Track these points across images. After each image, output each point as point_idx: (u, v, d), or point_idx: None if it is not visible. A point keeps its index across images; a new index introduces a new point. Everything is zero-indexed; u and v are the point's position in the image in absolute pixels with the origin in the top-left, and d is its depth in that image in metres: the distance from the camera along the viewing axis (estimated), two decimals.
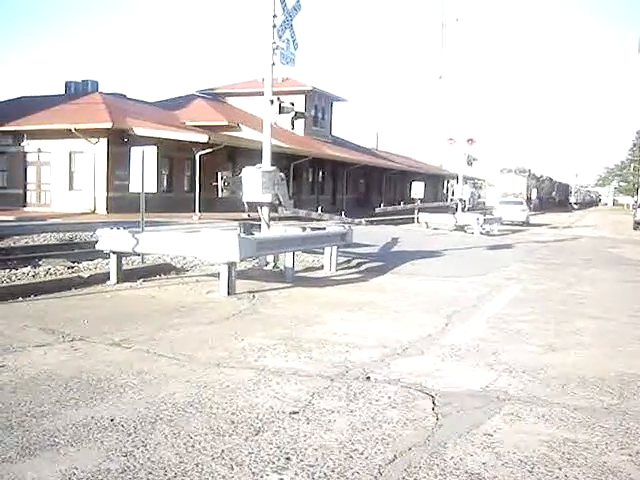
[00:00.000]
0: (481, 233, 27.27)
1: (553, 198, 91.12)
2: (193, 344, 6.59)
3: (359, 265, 13.93)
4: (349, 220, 19.18)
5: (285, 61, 12.37)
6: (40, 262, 12.82)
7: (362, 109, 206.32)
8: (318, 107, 52.88)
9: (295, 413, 4.64)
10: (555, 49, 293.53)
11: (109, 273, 10.60)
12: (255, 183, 11.79)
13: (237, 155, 34.18)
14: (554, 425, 4.57)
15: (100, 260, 12.08)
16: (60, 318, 7.64)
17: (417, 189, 33.25)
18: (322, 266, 13.19)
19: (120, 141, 29.83)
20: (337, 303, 9.41)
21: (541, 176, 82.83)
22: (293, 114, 13.18)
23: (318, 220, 20.62)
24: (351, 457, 3.90)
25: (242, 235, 10.06)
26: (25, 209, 32.40)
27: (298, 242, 12.04)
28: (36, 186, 34.10)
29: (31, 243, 17.51)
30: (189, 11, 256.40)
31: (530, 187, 68.82)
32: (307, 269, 13.09)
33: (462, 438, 4.25)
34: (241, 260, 10.33)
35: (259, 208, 12.24)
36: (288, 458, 3.86)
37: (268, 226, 12.26)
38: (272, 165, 12.33)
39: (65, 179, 32.85)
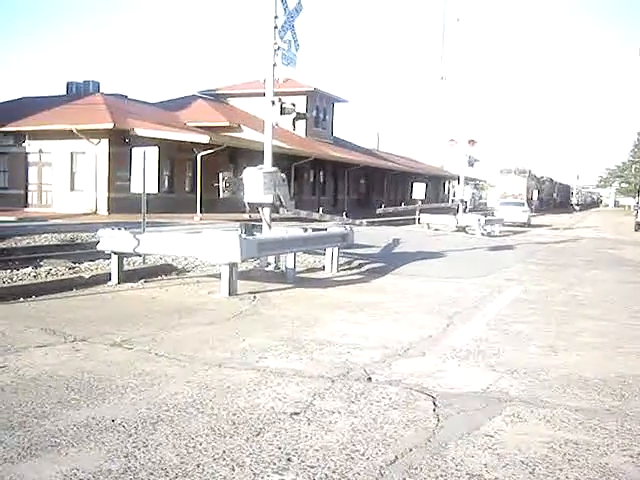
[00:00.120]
0: (482, 234, 27.26)
1: (554, 199, 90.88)
2: (194, 345, 6.59)
3: (360, 266, 13.92)
4: (350, 221, 19.19)
5: (286, 62, 12.37)
6: (41, 262, 12.81)
7: (363, 110, 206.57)
8: (319, 108, 52.89)
9: (296, 414, 4.64)
10: (557, 50, 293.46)
11: (110, 274, 10.60)
12: (256, 184, 11.79)
13: (238, 156, 34.19)
14: (555, 426, 4.57)
15: (101, 261, 12.08)
16: (61, 319, 7.64)
17: (418, 190, 33.25)
18: (323, 267, 13.19)
19: (121, 142, 29.86)
20: (338, 304, 9.40)
21: (541, 177, 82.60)
22: (294, 115, 13.18)
23: (319, 221, 20.63)
24: (352, 458, 3.90)
25: (243, 236, 10.06)
26: (26, 210, 32.44)
27: (299, 243, 12.04)
28: (37, 187, 34.14)
29: (32, 244, 17.50)
30: (190, 12, 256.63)
31: (530, 188, 68.56)
32: (308, 270, 13.09)
33: (463, 439, 4.25)
34: (242, 261, 10.34)
35: (260, 209, 12.24)
36: (289, 459, 3.86)
37: (269, 227, 12.25)
38: (273, 166, 12.33)
39: (66, 180, 32.89)
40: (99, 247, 11.08)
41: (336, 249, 13.01)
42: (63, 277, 10.39)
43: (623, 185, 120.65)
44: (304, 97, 47.46)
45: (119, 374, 5.46)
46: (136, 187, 12.16)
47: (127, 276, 10.69)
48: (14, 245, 17.15)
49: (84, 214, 29.75)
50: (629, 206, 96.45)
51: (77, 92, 38.94)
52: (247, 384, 5.30)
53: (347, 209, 40.39)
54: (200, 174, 31.24)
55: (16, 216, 27.32)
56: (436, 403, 4.97)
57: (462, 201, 31.47)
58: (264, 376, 5.55)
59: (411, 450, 4.05)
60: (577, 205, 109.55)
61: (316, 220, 20.59)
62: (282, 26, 12.13)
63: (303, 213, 17.69)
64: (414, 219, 31.99)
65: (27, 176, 34.20)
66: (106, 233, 10.91)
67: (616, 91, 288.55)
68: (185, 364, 5.86)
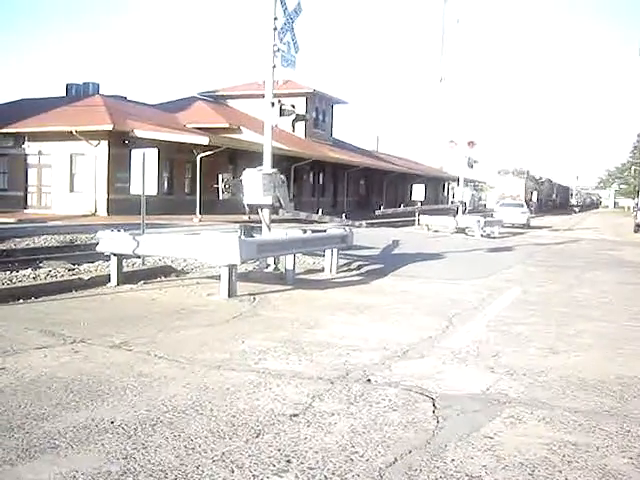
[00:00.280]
0: (482, 235, 27.25)
1: (553, 200, 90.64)
2: (193, 346, 6.58)
3: (360, 267, 13.92)
4: (349, 222, 19.19)
5: (286, 64, 12.38)
6: (41, 264, 12.82)
7: (363, 111, 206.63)
8: (319, 109, 52.95)
9: (295, 416, 4.63)
10: (556, 50, 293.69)
11: (110, 275, 10.59)
12: (256, 185, 11.79)
13: (238, 157, 34.21)
14: (555, 428, 4.56)
15: (101, 262, 12.08)
16: (61, 320, 7.64)
17: (418, 191, 33.28)
18: (323, 268, 13.18)
19: (121, 143, 29.87)
20: (338, 305, 9.40)
21: (540, 178, 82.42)
22: (294, 116, 13.20)
23: (319, 222, 20.64)
24: (352, 460, 3.90)
25: (243, 237, 10.07)
26: (26, 211, 32.44)
27: (299, 244, 12.04)
28: (37, 188, 34.14)
29: (32, 245, 17.52)
30: (190, 13, 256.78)
31: (528, 189, 68.38)
32: (308, 271, 13.08)
33: (463, 441, 4.25)
34: (242, 262, 10.33)
35: (260, 210, 12.24)
36: (289, 461, 3.85)
37: (269, 228, 12.26)
38: (273, 167, 12.33)
39: (66, 181, 32.90)
40: (98, 249, 11.07)
41: (335, 250, 13.01)
42: (62, 279, 10.38)
43: (622, 186, 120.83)
44: (304, 98, 47.49)
45: (118, 376, 5.45)
46: (135, 189, 12.16)
47: (126, 278, 10.68)
48: (13, 247, 17.16)
49: (83, 215, 29.75)
50: (628, 207, 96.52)
51: (77, 94, 38.96)
52: (246, 386, 5.30)
53: (346, 210, 40.41)
54: (199, 175, 31.25)
55: (15, 218, 27.33)
56: (435, 405, 4.97)
57: (461, 202, 31.46)
58: (263, 378, 5.55)
59: (410, 452, 4.05)
60: (577, 206, 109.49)
61: (315, 221, 20.60)
62: (281, 28, 12.14)
63: (302, 214, 17.69)
64: (413, 220, 32.01)
65: (26, 178, 34.20)
66: (105, 235, 10.91)
67: (616, 92, 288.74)
68: (184, 366, 5.86)
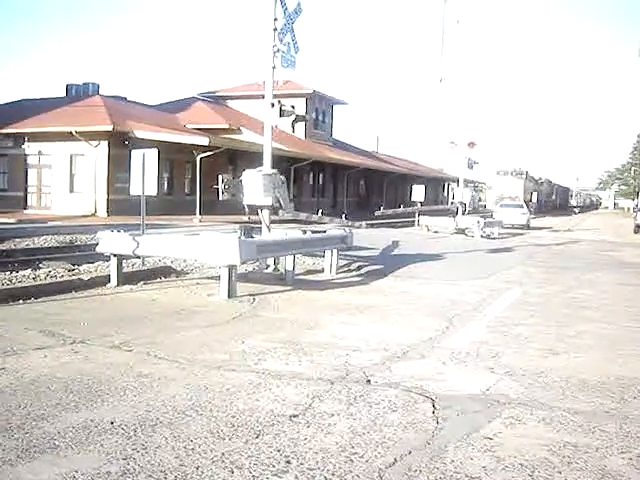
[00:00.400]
0: (482, 236, 27.25)
1: (552, 201, 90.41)
2: (193, 347, 6.58)
3: (359, 268, 13.93)
4: (349, 223, 19.18)
5: (286, 64, 12.38)
6: (41, 264, 12.82)
7: (363, 112, 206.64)
8: (319, 110, 52.95)
9: (295, 416, 4.63)
10: (556, 51, 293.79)
11: (109, 276, 10.59)
12: (256, 186, 11.79)
13: (238, 158, 34.23)
14: (554, 429, 4.56)
15: (100, 263, 12.08)
16: (60, 320, 7.64)
17: (418, 192, 33.27)
18: (322, 269, 13.19)
19: (121, 144, 29.89)
20: (337, 306, 9.40)
21: (539, 178, 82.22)
22: (294, 117, 13.22)
23: (318, 223, 20.64)
24: (351, 460, 3.90)
25: (242, 238, 10.07)
26: (26, 212, 32.44)
27: (299, 245, 12.04)
28: (37, 188, 34.15)
29: (32, 245, 17.52)
30: (190, 14, 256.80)
31: (527, 190, 68.15)
32: (307, 272, 13.08)
33: (462, 442, 4.25)
34: (242, 263, 10.33)
35: (260, 211, 12.24)
36: (288, 461, 3.85)
37: (269, 229, 12.25)
38: (273, 168, 12.33)
39: (66, 182, 32.90)
40: (98, 249, 11.07)
41: (335, 251, 13.01)
42: (62, 279, 10.38)
43: (622, 187, 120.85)
44: (303, 99, 47.52)
45: (118, 376, 5.45)
46: (135, 189, 12.16)
47: (126, 278, 10.68)
48: (13, 247, 17.17)
49: (83, 216, 29.76)
50: (628, 208, 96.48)
51: (77, 94, 38.96)
52: (246, 386, 5.30)
53: (346, 211, 40.42)
54: (199, 176, 31.26)
55: (15, 218, 27.33)
56: (435, 405, 4.96)
57: (461, 203, 31.45)
58: (263, 378, 5.55)
59: (410, 452, 4.05)
60: (577, 207, 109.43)
61: (315, 222, 20.60)
62: (281, 28, 12.14)
63: (302, 215, 17.65)
64: (413, 221, 32.02)
65: (26, 178, 34.20)
66: (105, 235, 10.91)
67: (616, 93, 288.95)
68: (184, 366, 5.86)
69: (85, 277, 10.51)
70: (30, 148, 33.54)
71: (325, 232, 14.40)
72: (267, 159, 12.39)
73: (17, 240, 18.23)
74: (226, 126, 40.78)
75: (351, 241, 13.56)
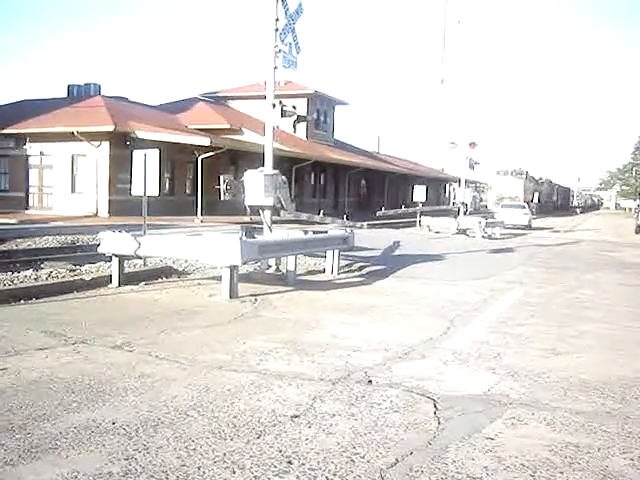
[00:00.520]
0: (483, 237, 27.26)
1: (553, 201, 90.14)
2: (195, 347, 6.58)
3: (361, 269, 13.93)
4: (351, 223, 19.18)
5: (287, 65, 12.39)
6: (42, 265, 12.82)
7: (364, 112, 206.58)
8: (320, 110, 52.94)
9: (297, 417, 4.63)
10: (558, 51, 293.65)
11: (111, 276, 10.60)
12: (257, 186, 11.80)
13: (239, 158, 34.22)
14: (556, 429, 4.56)
15: (102, 263, 12.08)
16: (62, 321, 7.64)
17: (419, 193, 33.26)
18: (324, 269, 13.19)
19: (122, 144, 29.91)
20: (339, 307, 9.40)
21: (540, 178, 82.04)
22: (295, 117, 13.24)
23: (320, 223, 20.65)
24: (353, 461, 3.90)
25: (244, 238, 10.06)
26: (27, 212, 32.46)
27: (300, 245, 12.04)
28: (38, 189, 34.18)
29: (33, 246, 17.53)
30: (192, 14, 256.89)
31: (528, 190, 67.92)
32: (309, 272, 13.09)
33: (464, 442, 4.24)
34: (243, 263, 10.34)
35: (261, 211, 12.25)
36: (290, 462, 3.85)
37: (270, 229, 12.26)
38: (274, 168, 12.33)
39: (67, 182, 32.93)
40: (100, 249, 11.07)
41: (337, 252, 13.01)
42: (64, 279, 10.38)
43: (624, 188, 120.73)
44: (305, 100, 47.51)
45: (120, 376, 5.45)
46: (137, 189, 12.15)
47: (128, 278, 10.69)
48: (15, 247, 17.17)
49: (85, 216, 29.77)
50: (630, 208, 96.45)
51: (78, 95, 38.99)
52: (248, 387, 5.30)
53: (348, 211, 40.43)
54: (201, 177, 31.26)
55: (17, 218, 27.36)
56: (437, 406, 4.96)
57: (463, 204, 31.46)
58: (265, 379, 5.55)
59: (412, 453, 4.05)
60: (578, 207, 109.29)
61: (317, 222, 20.61)
62: (283, 29, 12.14)
63: (304, 215, 17.67)
64: (415, 222, 31.99)
65: (28, 178, 34.24)
66: (107, 235, 10.91)
67: (617, 93, 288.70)
68: (186, 367, 5.86)
69: (87, 277, 10.52)
70: (32, 149, 33.57)
71: (326, 232, 14.40)
72: (268, 159, 12.39)
73: (19, 240, 18.24)
74: (227, 126, 40.79)
75: (352, 241, 13.56)
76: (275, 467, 3.77)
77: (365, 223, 22.58)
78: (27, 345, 6.42)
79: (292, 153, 37.97)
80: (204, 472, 3.67)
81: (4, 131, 33.18)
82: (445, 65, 27.74)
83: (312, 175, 47.93)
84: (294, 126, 46.74)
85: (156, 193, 12.15)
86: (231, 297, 9.54)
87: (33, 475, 3.57)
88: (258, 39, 12.46)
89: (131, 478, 3.58)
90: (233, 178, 13.05)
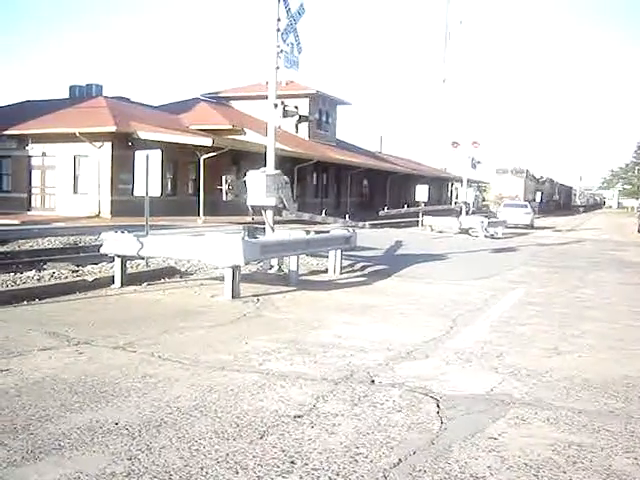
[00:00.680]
0: (485, 236, 27.25)
1: (554, 201, 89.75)
2: (197, 347, 6.59)
3: (363, 268, 13.92)
4: (353, 223, 19.17)
5: (289, 65, 12.39)
6: (45, 266, 12.83)
7: (366, 112, 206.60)
8: (322, 110, 52.91)
9: (300, 417, 4.64)
10: (560, 50, 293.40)
11: (113, 277, 10.61)
12: (259, 186, 11.80)
13: (241, 158, 34.22)
14: (559, 429, 4.56)
15: (104, 264, 12.10)
16: (65, 322, 7.65)
17: (421, 192, 33.25)
18: (326, 269, 13.19)
19: (124, 145, 29.91)
20: (341, 307, 9.40)
21: (541, 177, 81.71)
22: (297, 117, 13.25)
23: (322, 223, 20.64)
24: (356, 461, 3.90)
25: (246, 238, 10.08)
26: (29, 213, 32.47)
27: (302, 245, 12.04)
28: (40, 190, 34.19)
29: (36, 247, 17.55)
30: (194, 14, 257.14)
31: (528, 189, 67.52)
32: (311, 272, 13.09)
33: (467, 442, 4.24)
34: (245, 263, 10.34)
35: (263, 211, 12.25)
36: (293, 462, 3.85)
37: (272, 229, 12.26)
38: (276, 169, 12.34)
39: (69, 183, 32.94)
40: (102, 250, 11.08)
41: (339, 252, 13.01)
42: (66, 280, 10.39)
43: (626, 187, 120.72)
44: (307, 99, 47.47)
45: (122, 377, 5.46)
46: (139, 190, 12.15)
47: (130, 279, 10.70)
48: (17, 248, 17.20)
49: (87, 217, 29.79)
50: (632, 208, 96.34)
51: (80, 95, 39.00)
52: (250, 387, 5.30)
53: (350, 211, 40.39)
54: (203, 177, 31.27)
55: (19, 219, 27.37)
56: (440, 405, 4.96)
57: (465, 203, 31.46)
58: (267, 379, 5.55)
59: (415, 452, 4.05)
60: (581, 207, 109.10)
61: (319, 222, 20.59)
62: (285, 29, 12.15)
63: (306, 216, 17.64)
64: (417, 221, 31.97)
65: (30, 179, 34.25)
66: (109, 236, 10.92)
67: (620, 92, 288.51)
68: (188, 367, 5.86)
69: (89, 278, 10.53)
70: (34, 149, 33.58)
71: (329, 232, 14.39)
72: (270, 160, 12.40)
73: (21, 241, 18.27)
74: (229, 127, 40.77)
75: (355, 241, 13.56)
76: (278, 467, 3.77)
77: (367, 223, 22.56)
78: (30, 346, 6.43)
79: (294, 153, 37.96)
80: (207, 472, 3.67)
81: (6, 132, 33.21)
82: (447, 64, 27.75)
83: (314, 175, 47.90)
84: (296, 126, 46.75)
85: (158, 193, 12.15)
86: (233, 297, 9.55)
87: (36, 475, 3.58)
88: (260, 39, 12.50)
89: (134, 478, 3.58)
90: (235, 178, 13.06)
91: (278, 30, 12.04)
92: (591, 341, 7.56)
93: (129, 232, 10.84)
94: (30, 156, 33.93)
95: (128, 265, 11.08)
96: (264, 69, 12.61)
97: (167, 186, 32.68)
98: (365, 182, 57.39)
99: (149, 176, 11.84)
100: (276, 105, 12.42)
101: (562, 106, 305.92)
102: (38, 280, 10.43)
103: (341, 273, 12.98)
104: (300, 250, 11.86)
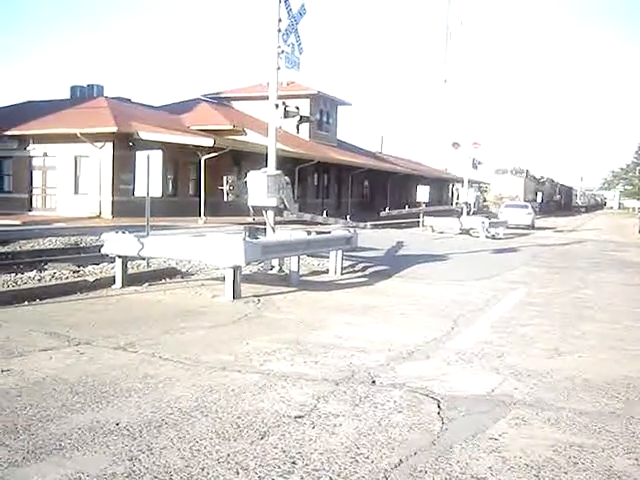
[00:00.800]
0: (486, 237, 27.23)
1: (555, 201, 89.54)
2: (198, 348, 6.59)
3: (364, 269, 13.92)
4: (354, 224, 19.20)
5: (290, 65, 12.39)
6: (46, 266, 12.84)
7: (367, 113, 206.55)
8: (323, 111, 52.89)
9: (300, 417, 4.63)
10: (561, 51, 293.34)
11: (114, 277, 10.61)
12: (260, 187, 11.80)
13: (242, 159, 34.22)
14: (560, 429, 4.56)
15: (105, 264, 12.10)
16: (66, 322, 7.65)
17: (422, 193, 33.23)
18: (327, 270, 13.18)
19: (125, 145, 29.90)
20: (342, 307, 9.40)
21: (541, 177, 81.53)
22: (298, 118, 13.21)
23: (323, 224, 20.67)
24: (357, 461, 3.90)
25: (247, 239, 10.08)
26: (31, 213, 32.47)
27: (303, 246, 12.04)
28: (41, 190, 34.20)
29: (37, 247, 17.55)
30: (194, 15, 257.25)
31: (528, 189, 67.31)
32: (312, 273, 13.09)
33: (468, 442, 4.24)
34: (246, 264, 10.34)
35: (264, 212, 12.25)
36: (294, 462, 3.85)
37: (273, 230, 12.26)
38: (277, 169, 12.34)
39: (70, 183, 32.94)
40: (103, 250, 11.09)
41: (340, 252, 13.01)
42: (67, 281, 10.40)
43: (627, 187, 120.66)
44: (308, 100, 47.41)
45: (123, 377, 5.46)
46: (140, 191, 12.16)
47: (131, 279, 10.70)
48: (18, 249, 17.20)
49: (88, 217, 29.79)
50: (633, 208, 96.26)
51: (81, 96, 39.00)
52: (251, 387, 5.31)
53: (351, 212, 40.41)
54: (204, 177, 31.26)
55: (20, 220, 27.37)
56: (441, 406, 4.96)
57: (466, 204, 31.44)
58: (268, 379, 5.55)
59: (416, 453, 4.05)
60: (582, 207, 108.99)
61: (320, 223, 20.63)
62: (286, 29, 12.15)
63: (307, 216, 17.68)
64: (418, 222, 31.96)
65: (31, 180, 34.25)
66: (110, 237, 10.92)
67: (620, 92, 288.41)
68: (189, 367, 5.86)
69: (90, 278, 10.53)
70: (35, 150, 33.59)
71: (330, 233, 14.40)
72: (271, 160, 12.40)
73: (22, 242, 18.27)
74: (230, 127, 40.75)
75: (356, 242, 13.56)
76: (279, 468, 3.77)
77: (368, 223, 22.61)
78: (31, 346, 6.43)
79: (295, 154, 37.95)
80: (208, 473, 3.68)
81: (7, 132, 33.21)
82: (448, 65, 27.76)
83: (315, 176, 47.89)
84: (297, 127, 46.57)
85: (159, 194, 12.16)
86: (234, 298, 9.55)
87: (37, 476, 3.58)
88: (261, 40, 12.50)
89: (135, 479, 3.58)
90: (236, 179, 13.06)
91: (279, 31, 12.04)
92: (592, 342, 7.55)
93: (130, 232, 10.84)
94: (31, 156, 33.94)
95: (129, 265, 11.09)
96: (265, 70, 12.61)
97: (168, 186, 32.66)
98: (366, 183, 57.37)
99: (150, 176, 11.85)
100: (277, 105, 12.41)
101: (563, 106, 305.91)
102: (39, 280, 10.44)
103: (342, 274, 12.98)
104: (301, 250, 11.86)
